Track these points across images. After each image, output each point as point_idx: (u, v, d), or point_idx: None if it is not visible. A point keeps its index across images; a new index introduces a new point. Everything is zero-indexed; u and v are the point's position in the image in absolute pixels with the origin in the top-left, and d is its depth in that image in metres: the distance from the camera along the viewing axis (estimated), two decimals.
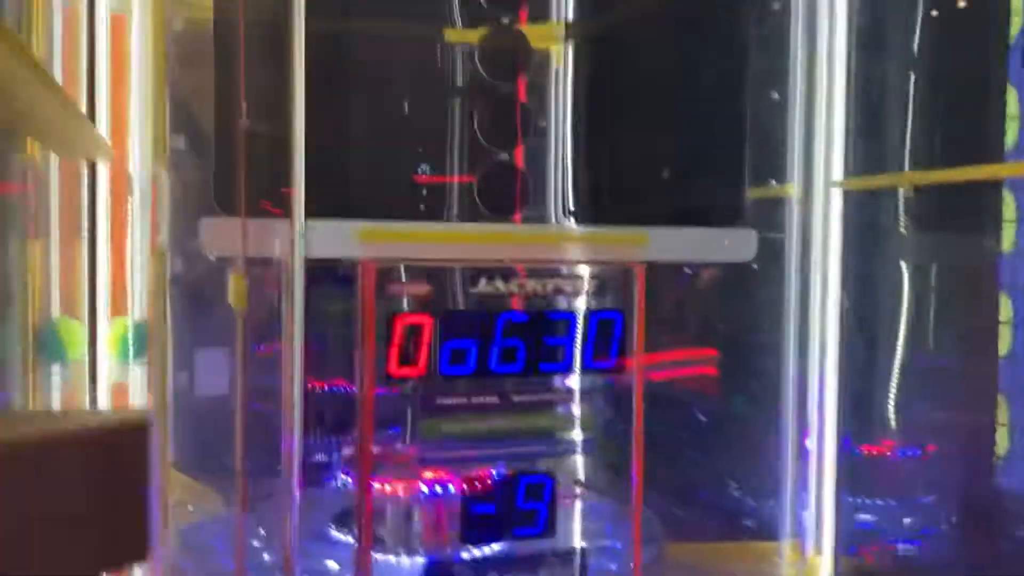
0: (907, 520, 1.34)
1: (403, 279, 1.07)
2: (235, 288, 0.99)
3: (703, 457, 1.56)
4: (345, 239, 1.04)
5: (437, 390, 1.07)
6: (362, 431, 1.06)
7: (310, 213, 1.02)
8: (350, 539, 1.32)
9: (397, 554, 1.26)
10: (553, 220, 1.19)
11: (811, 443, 1.32)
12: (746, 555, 1.33)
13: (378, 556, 1.27)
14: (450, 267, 1.09)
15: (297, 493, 1.01)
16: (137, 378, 1.06)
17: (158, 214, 1.04)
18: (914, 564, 1.27)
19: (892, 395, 1.34)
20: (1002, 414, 1.04)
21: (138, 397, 1.06)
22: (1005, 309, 1.06)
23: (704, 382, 1.55)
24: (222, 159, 1.06)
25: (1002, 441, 1.03)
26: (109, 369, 1.03)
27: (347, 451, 1.32)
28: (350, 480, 1.26)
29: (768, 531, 1.33)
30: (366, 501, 1.07)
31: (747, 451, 1.45)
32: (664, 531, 1.41)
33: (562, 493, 1.20)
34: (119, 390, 1.05)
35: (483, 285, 1.08)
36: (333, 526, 1.34)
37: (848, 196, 1.26)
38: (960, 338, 1.22)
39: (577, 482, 1.14)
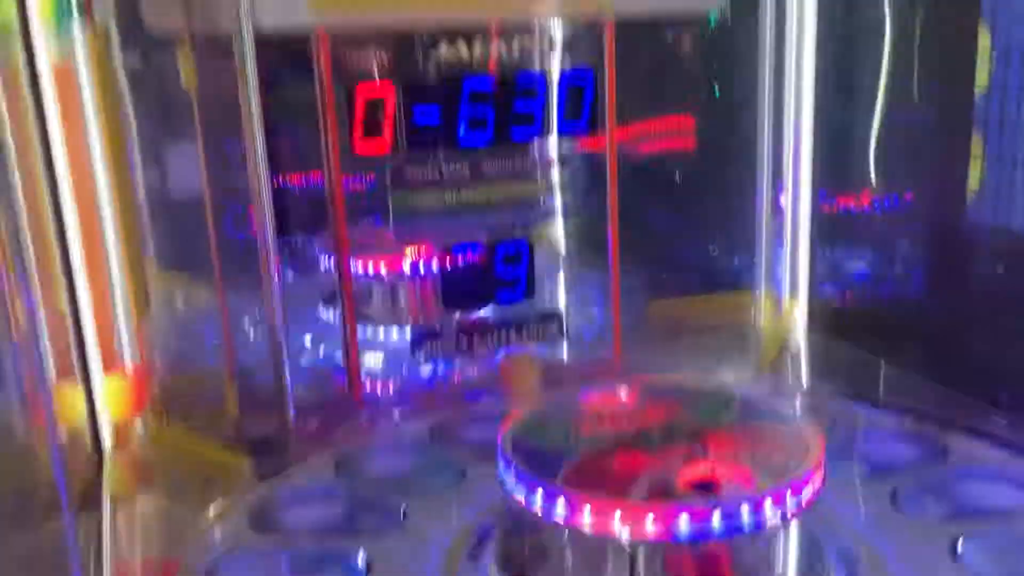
0: (883, 266, 1.37)
1: (362, 47, 1.02)
2: (184, 65, 0.95)
3: (682, 218, 1.57)
4: (295, 6, 0.98)
5: (405, 164, 1.05)
6: (334, 213, 1.04)
7: None
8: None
9: (386, 325, 1.29)
10: None
11: (785, 198, 1.32)
12: (724, 305, 1.37)
13: (368, 329, 1.30)
14: (409, 32, 1.04)
15: (275, 275, 1.01)
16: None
17: None
18: (888, 303, 1.31)
19: (870, 143, 1.33)
20: (976, 147, 1.03)
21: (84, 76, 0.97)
22: (983, 40, 1.02)
23: (681, 143, 1.53)
24: None
25: (975, 175, 1.03)
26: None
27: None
28: None
29: (746, 283, 1.36)
30: (345, 280, 1.07)
31: (725, 210, 1.46)
32: (646, 290, 1.45)
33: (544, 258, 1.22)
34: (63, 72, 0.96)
35: (445, 50, 1.04)
36: (322, 306, 1.36)
37: None
38: (937, 77, 1.19)
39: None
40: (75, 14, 0.93)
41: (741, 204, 1.36)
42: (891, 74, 1.27)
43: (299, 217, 1.46)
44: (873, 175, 1.34)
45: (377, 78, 1.02)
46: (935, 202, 1.20)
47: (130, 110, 1.07)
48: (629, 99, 1.42)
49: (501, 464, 0.73)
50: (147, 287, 1.04)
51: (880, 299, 1.29)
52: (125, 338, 0.98)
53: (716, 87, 1.40)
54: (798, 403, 1.02)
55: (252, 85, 0.95)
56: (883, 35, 1.27)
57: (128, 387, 0.98)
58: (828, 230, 1.35)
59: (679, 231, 1.50)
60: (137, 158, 1.12)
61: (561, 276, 1.32)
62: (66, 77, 0.92)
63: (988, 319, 1.05)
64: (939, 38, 1.20)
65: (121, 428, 0.97)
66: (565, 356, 1.20)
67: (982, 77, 1.06)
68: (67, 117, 0.92)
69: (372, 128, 1.03)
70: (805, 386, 1.16)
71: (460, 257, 1.12)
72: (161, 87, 1.18)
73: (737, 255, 1.41)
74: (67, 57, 0.92)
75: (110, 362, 0.98)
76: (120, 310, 0.99)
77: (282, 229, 1.32)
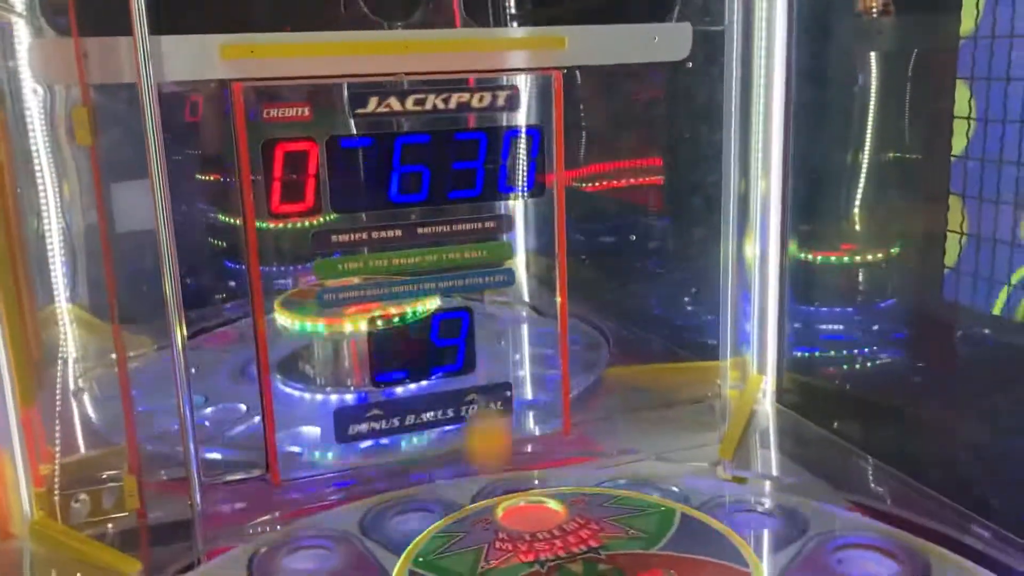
0: (858, 336, 1.27)
1: (280, 100, 0.93)
2: (78, 121, 0.86)
3: (652, 273, 1.48)
4: (204, 57, 0.89)
5: (330, 226, 0.96)
6: (250, 272, 0.95)
7: (162, 29, 0.87)
8: (277, 379, 1.26)
9: (312, 392, 1.20)
10: (456, 24, 1.04)
11: (752, 250, 1.23)
12: (687, 376, 1.27)
13: (293, 392, 1.21)
14: (334, 85, 0.95)
15: (178, 336, 0.92)
16: None
17: None
18: (864, 380, 1.21)
19: (843, 197, 1.25)
20: (954, 219, 0.94)
21: None
22: (962, 101, 0.94)
23: (646, 194, 1.44)
24: None
25: (952, 250, 0.95)
26: None
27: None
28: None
29: (713, 348, 1.26)
30: (260, 338, 0.98)
31: (693, 265, 1.37)
32: (610, 351, 1.35)
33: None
34: None
35: (375, 104, 0.95)
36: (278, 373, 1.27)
37: None
38: (915, 136, 1.11)
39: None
40: None
41: (707, 263, 1.27)
42: (869, 122, 1.19)
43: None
44: (849, 231, 1.26)
45: (299, 134, 0.93)
46: (914, 272, 1.11)
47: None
48: (588, 150, 1.33)
49: None
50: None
51: (855, 374, 1.19)
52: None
53: (681, 134, 1.32)
54: (758, 505, 0.91)
55: (153, 137, 0.87)
56: (860, 83, 1.19)
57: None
58: (800, 290, 1.26)
59: (641, 293, 1.41)
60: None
61: (509, 346, 1.23)
62: None
63: (969, 410, 0.96)
64: (918, 92, 1.12)
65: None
66: (512, 431, 1.10)
67: (959, 142, 0.97)
68: None
69: (292, 188, 0.94)
70: (773, 472, 1.06)
71: (393, 326, 1.02)
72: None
73: (703, 320, 1.31)
74: None
75: None
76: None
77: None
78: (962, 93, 0.96)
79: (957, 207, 0.96)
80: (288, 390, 1.23)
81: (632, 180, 1.36)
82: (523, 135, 1.02)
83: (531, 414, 1.15)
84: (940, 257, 0.98)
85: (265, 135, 0.92)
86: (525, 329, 1.43)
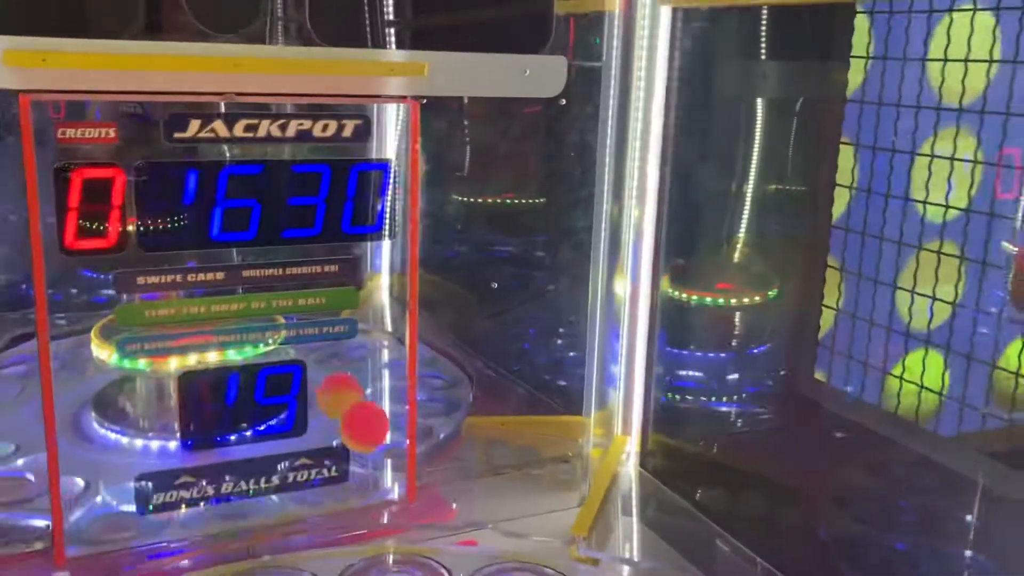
0: (731, 377, 1.21)
1: (80, 119, 0.79)
2: None
3: (522, 314, 1.40)
4: None
5: (137, 266, 0.82)
6: (37, 314, 0.81)
7: None
8: (92, 418, 1.11)
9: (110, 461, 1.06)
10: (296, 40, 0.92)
11: (622, 290, 1.15)
12: (549, 430, 1.18)
13: (111, 436, 1.07)
14: (148, 104, 0.81)
15: None
16: None
17: None
18: (732, 447, 1.14)
19: (721, 241, 1.19)
20: (830, 292, 0.88)
21: None
22: (846, 164, 0.88)
23: (516, 227, 1.35)
24: None
25: (825, 324, 0.89)
26: None
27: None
28: None
29: (578, 394, 1.18)
30: (45, 387, 0.83)
31: (563, 308, 1.29)
32: (473, 395, 1.26)
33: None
34: None
35: (196, 128, 0.82)
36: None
37: (678, 14, 1.04)
38: (796, 194, 1.05)
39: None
40: None
41: (578, 302, 1.19)
42: (752, 160, 1.13)
43: None
44: (725, 276, 1.20)
45: (102, 159, 0.79)
46: (787, 344, 1.05)
47: None
48: (457, 181, 1.24)
49: None
50: None
51: (723, 438, 1.13)
52: None
53: (553, 167, 1.24)
54: None
55: None
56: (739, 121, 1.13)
57: None
58: (675, 333, 1.19)
59: (509, 332, 1.32)
60: None
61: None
62: None
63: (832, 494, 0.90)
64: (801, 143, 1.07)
65: None
66: (350, 500, 0.99)
67: (840, 204, 0.91)
68: None
69: (92, 222, 0.80)
70: (632, 552, 0.98)
71: (208, 381, 0.89)
72: None
73: (574, 362, 1.23)
74: None
75: None
76: None
77: None
78: (844, 154, 0.91)
79: (833, 277, 0.90)
80: (107, 432, 1.09)
81: (503, 211, 1.27)
82: (374, 169, 0.91)
83: (376, 473, 1.04)
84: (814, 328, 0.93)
85: (59, 159, 0.78)
86: (385, 367, 1.32)
